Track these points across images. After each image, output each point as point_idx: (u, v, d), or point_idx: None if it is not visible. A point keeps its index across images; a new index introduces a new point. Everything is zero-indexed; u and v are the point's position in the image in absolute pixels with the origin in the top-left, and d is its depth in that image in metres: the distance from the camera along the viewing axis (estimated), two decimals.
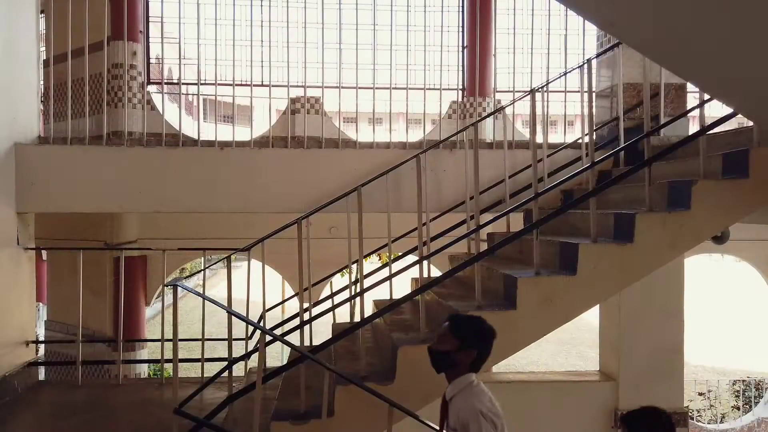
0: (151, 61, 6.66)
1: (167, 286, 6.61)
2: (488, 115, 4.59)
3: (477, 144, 3.43)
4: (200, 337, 4.64)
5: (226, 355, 3.65)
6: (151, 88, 6.47)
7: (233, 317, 3.12)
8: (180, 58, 5.44)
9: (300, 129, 5.65)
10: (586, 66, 3.43)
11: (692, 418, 7.98)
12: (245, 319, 3.10)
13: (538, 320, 3.02)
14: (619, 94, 4.37)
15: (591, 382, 5.32)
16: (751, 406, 9.29)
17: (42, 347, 6.94)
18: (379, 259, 9.47)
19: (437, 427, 2.95)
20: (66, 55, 4.94)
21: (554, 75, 4.68)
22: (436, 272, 5.09)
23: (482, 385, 2.24)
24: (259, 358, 2.93)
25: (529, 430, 5.19)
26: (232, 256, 4.09)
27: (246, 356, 3.96)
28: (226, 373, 3.61)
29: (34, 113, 4.99)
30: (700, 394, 10.42)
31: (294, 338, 3.57)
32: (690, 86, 4.71)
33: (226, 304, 3.32)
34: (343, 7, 5.18)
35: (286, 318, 4.41)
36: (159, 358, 4.97)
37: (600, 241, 3.13)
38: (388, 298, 3.83)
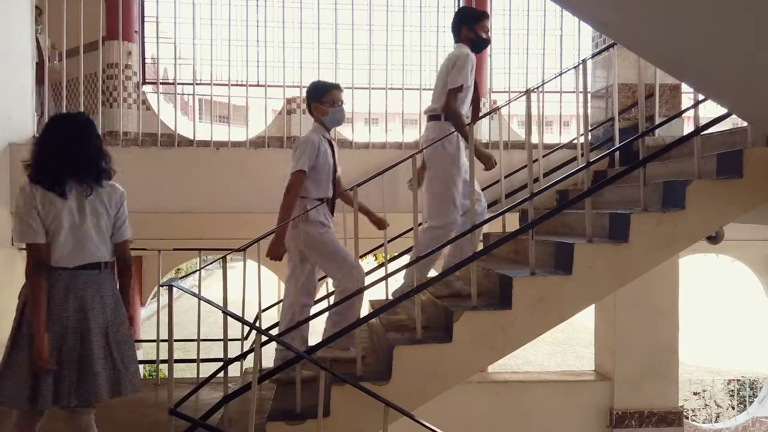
0: (147, 61, 6.64)
1: (162, 286, 6.58)
2: (484, 116, 4.59)
3: (473, 144, 3.43)
4: (196, 337, 4.63)
5: (222, 356, 3.64)
6: (147, 88, 6.45)
7: (229, 318, 3.11)
8: (175, 58, 5.43)
9: (296, 129, 5.65)
10: (581, 66, 3.44)
11: (687, 418, 8.01)
12: (241, 320, 3.09)
13: (534, 320, 3.03)
14: (614, 95, 4.39)
15: (586, 382, 5.34)
16: (745, 406, 9.34)
17: None
18: (375, 260, 9.46)
19: (433, 427, 2.96)
20: (61, 54, 4.93)
21: (550, 75, 4.69)
22: (432, 272, 5.09)
23: None
24: (255, 359, 2.93)
25: (524, 429, 5.21)
26: (228, 257, 4.09)
27: (242, 357, 3.95)
28: (221, 374, 3.61)
29: (28, 113, 4.97)
30: (695, 393, 10.46)
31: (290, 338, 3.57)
32: (685, 87, 4.73)
33: (221, 305, 3.32)
34: (339, 8, 5.18)
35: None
36: (154, 358, 4.95)
37: (595, 241, 3.14)
38: (384, 298, 3.83)
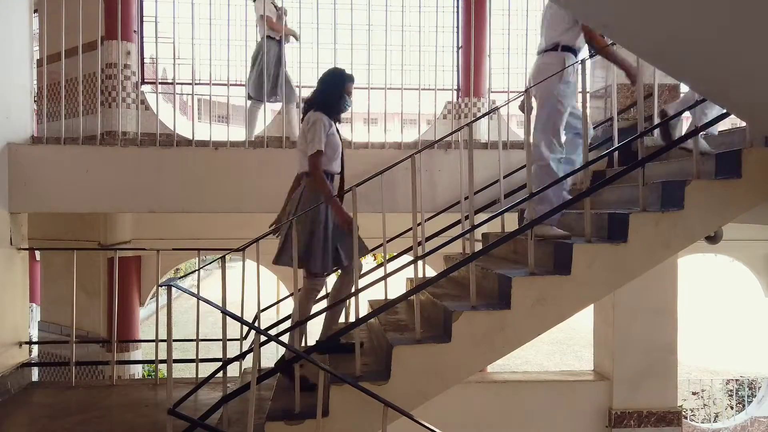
0: (146, 60, 6.64)
1: (161, 286, 6.58)
2: (483, 116, 4.58)
3: (472, 144, 3.43)
4: (195, 337, 4.63)
5: (221, 356, 3.64)
6: (146, 88, 6.45)
7: (228, 318, 3.11)
8: (174, 58, 5.43)
9: (295, 129, 5.62)
10: (580, 66, 3.44)
11: (686, 417, 8.03)
12: (240, 320, 3.09)
13: (533, 320, 3.03)
14: (613, 95, 4.38)
15: (585, 382, 5.34)
16: (744, 405, 9.36)
17: (35, 348, 6.92)
18: (374, 259, 9.46)
19: (432, 427, 2.96)
20: (59, 54, 4.92)
21: None
22: (431, 272, 5.10)
23: None
24: (254, 359, 2.93)
25: (523, 429, 5.21)
26: (227, 257, 4.08)
27: (241, 357, 3.95)
28: (220, 374, 3.61)
29: (27, 113, 4.97)
30: (694, 393, 10.48)
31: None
32: (684, 87, 4.73)
33: (220, 305, 3.32)
34: (338, 7, 5.18)
35: (281, 318, 4.41)
36: (153, 358, 4.95)
37: (594, 241, 3.14)
38: (383, 298, 3.84)
